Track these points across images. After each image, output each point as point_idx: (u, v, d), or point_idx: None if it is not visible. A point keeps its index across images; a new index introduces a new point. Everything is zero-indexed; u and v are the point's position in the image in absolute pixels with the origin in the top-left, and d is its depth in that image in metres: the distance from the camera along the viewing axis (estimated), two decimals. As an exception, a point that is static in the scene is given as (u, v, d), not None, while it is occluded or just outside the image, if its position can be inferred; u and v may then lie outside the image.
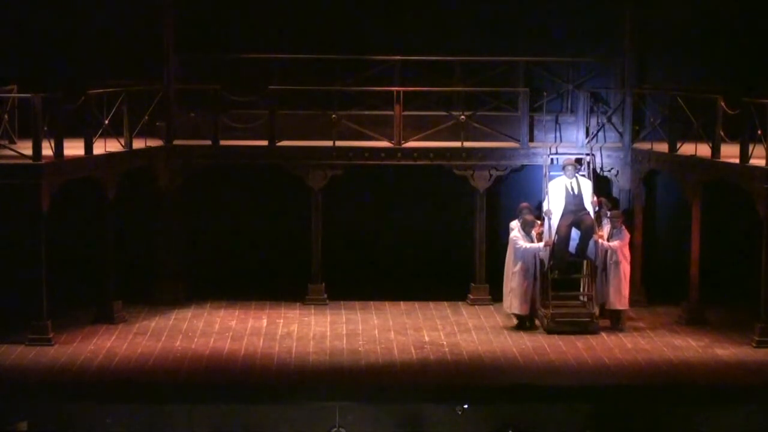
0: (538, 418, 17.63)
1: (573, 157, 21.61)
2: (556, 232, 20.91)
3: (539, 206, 21.59)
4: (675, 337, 20.49)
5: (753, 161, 19.65)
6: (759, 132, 19.61)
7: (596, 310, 20.73)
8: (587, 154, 21.97)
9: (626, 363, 19.02)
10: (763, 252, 19.59)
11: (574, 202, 21.05)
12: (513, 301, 20.81)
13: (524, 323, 20.76)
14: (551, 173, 21.41)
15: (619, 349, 19.63)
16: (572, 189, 21.08)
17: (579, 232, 20.94)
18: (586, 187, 21.21)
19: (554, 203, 21.10)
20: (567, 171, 21.19)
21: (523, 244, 20.69)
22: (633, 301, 22.21)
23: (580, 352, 19.44)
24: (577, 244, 20.96)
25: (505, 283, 21.12)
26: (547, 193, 21.22)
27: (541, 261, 20.79)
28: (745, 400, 17.76)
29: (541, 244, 20.72)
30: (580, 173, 21.34)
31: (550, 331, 20.35)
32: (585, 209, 21.04)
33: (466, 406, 17.52)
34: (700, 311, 21.34)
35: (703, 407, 17.65)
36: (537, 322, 20.86)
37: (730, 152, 20.12)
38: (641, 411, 17.66)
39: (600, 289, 20.85)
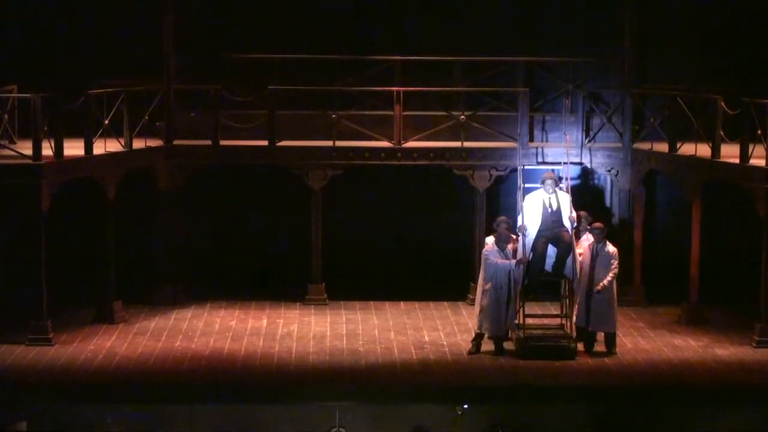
0: (538, 418, 17.62)
1: (555, 169, 20.83)
2: (532, 249, 19.42)
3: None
4: (675, 337, 20.48)
5: (753, 161, 19.65)
6: (759, 132, 19.62)
7: (574, 333, 19.54)
8: (574, 163, 21.71)
9: (626, 363, 19.02)
10: (763, 252, 19.59)
11: (552, 218, 19.55)
12: (484, 321, 19.34)
13: (500, 346, 19.40)
14: (526, 186, 20.08)
15: (619, 349, 19.60)
16: (550, 205, 19.58)
17: (556, 249, 19.48)
18: (565, 201, 19.71)
19: (530, 218, 19.54)
20: (546, 186, 19.67)
21: (495, 259, 19.27)
22: (633, 301, 22.26)
23: (579, 352, 19.40)
24: (554, 262, 19.48)
25: (476, 301, 19.79)
26: (522, 207, 19.70)
27: (515, 280, 19.25)
28: (745, 400, 17.76)
29: (514, 262, 19.25)
30: (560, 186, 19.98)
31: (523, 356, 18.99)
32: (563, 225, 19.56)
33: (466, 406, 17.52)
34: (700, 311, 21.33)
35: (703, 407, 17.64)
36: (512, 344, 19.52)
37: (730, 152, 20.12)
38: (641, 411, 17.65)
39: (583, 312, 19.46)
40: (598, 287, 19.30)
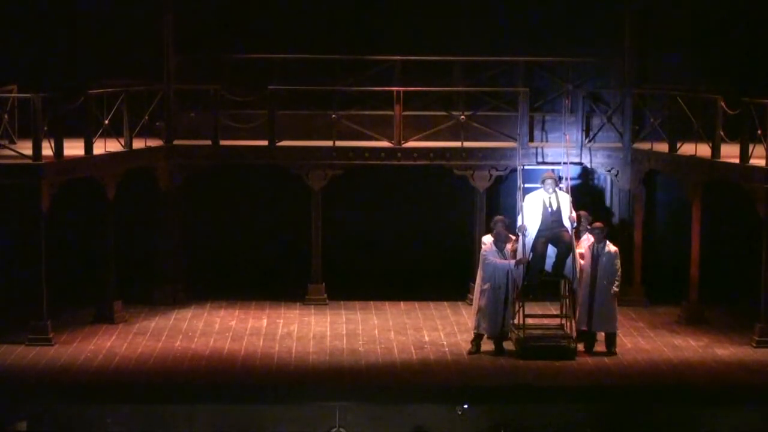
0: (538, 418, 17.61)
1: (555, 169, 20.69)
2: (532, 249, 19.29)
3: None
4: (675, 337, 20.48)
5: (753, 161, 19.65)
6: (759, 132, 19.62)
7: (574, 332, 19.43)
8: (574, 163, 21.66)
9: (626, 363, 19.01)
10: (763, 252, 19.59)
11: (552, 218, 19.44)
12: (482, 321, 19.24)
13: (500, 346, 19.34)
14: (526, 186, 20.00)
15: (619, 349, 19.58)
16: (550, 205, 19.48)
17: (555, 249, 19.35)
18: (565, 201, 19.60)
19: (530, 218, 19.42)
20: (546, 186, 19.58)
21: (493, 259, 19.14)
22: (633, 301, 22.25)
23: (579, 352, 19.40)
24: (554, 262, 19.37)
25: (473, 301, 19.82)
26: (522, 207, 19.60)
27: (514, 280, 19.14)
28: (745, 400, 17.75)
29: (513, 262, 19.13)
30: (560, 186, 19.87)
31: (523, 357, 18.93)
32: (563, 225, 19.45)
33: (466, 406, 17.52)
34: (700, 311, 21.33)
35: (703, 407, 17.64)
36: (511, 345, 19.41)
37: (730, 152, 20.12)
38: (641, 411, 17.65)
39: (584, 313, 19.31)
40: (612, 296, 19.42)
